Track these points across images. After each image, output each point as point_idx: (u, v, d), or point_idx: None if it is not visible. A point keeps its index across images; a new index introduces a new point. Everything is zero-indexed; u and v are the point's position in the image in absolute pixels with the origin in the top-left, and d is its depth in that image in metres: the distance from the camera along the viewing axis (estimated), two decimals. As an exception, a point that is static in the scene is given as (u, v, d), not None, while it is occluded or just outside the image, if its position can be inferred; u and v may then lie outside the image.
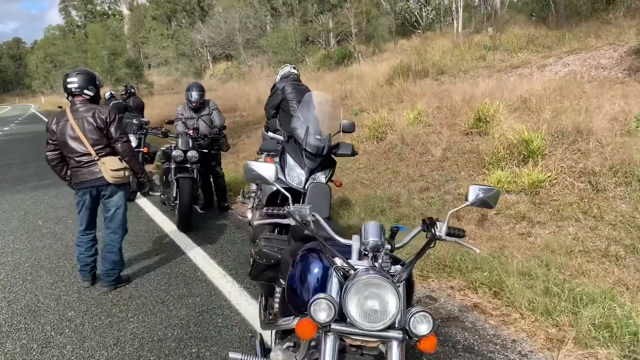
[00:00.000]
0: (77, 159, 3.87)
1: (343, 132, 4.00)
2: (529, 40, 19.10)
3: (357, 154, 4.19)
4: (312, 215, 1.92)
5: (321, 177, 3.84)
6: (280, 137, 5.19)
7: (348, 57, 28.04)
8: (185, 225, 5.69)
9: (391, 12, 34.61)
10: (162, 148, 6.39)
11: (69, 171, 4.07)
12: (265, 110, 5.35)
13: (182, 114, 6.47)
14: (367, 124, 11.05)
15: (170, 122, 7.64)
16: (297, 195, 3.85)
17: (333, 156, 4.00)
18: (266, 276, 2.75)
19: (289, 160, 3.83)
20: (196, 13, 50.57)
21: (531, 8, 29.34)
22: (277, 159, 4.12)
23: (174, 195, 5.76)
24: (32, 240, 5.72)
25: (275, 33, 32.91)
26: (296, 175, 3.79)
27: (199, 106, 6.44)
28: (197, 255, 4.94)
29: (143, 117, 9.82)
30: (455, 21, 28.55)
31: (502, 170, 6.75)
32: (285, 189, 3.89)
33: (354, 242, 1.83)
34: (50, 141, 3.93)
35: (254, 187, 5.08)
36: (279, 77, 5.37)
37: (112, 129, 3.89)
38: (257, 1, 37.41)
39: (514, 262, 4.32)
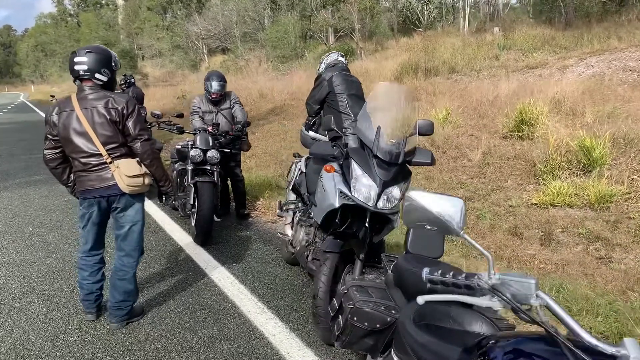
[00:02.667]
0: (83, 160, 3.00)
1: (419, 134, 3.16)
2: (545, 40, 18.37)
3: (435, 162, 3.35)
4: (538, 297, 1.07)
5: (396, 191, 3.00)
6: (323, 137, 4.36)
7: (350, 53, 27.31)
8: (205, 238, 4.83)
9: (393, 9, 33.93)
10: (176, 146, 5.51)
11: (72, 175, 3.21)
12: (306, 105, 4.49)
13: (199, 107, 5.59)
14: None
15: (180, 116, 6.76)
16: (361, 215, 3.02)
17: (408, 165, 3.16)
18: (365, 345, 1.92)
19: (355, 168, 2.98)
20: (192, 4, 49.61)
21: (530, 9, 28.77)
22: (335, 165, 3.27)
23: (192, 202, 4.88)
24: (20, 252, 4.83)
25: (275, 27, 32.05)
26: (365, 188, 2.94)
27: (220, 99, 5.57)
28: (223, 278, 4.08)
29: (144, 108, 8.95)
30: (462, 19, 27.94)
31: (559, 180, 5.96)
32: (349, 206, 3.09)
33: (632, 351, 0.98)
34: (49, 136, 3.07)
35: (292, 196, 4.22)
36: (323, 65, 4.51)
37: (129, 124, 3.03)
38: (256, -6, 36.54)
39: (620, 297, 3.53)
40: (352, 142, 4.03)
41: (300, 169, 4.20)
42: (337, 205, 2.98)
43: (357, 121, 3.17)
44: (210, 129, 5.29)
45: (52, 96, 16.35)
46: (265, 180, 7.66)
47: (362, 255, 3.06)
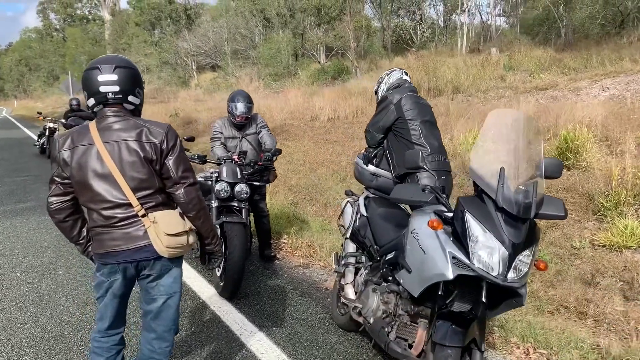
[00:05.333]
0: (105, 213, 2.19)
1: (545, 177, 2.41)
2: (552, 61, 17.97)
3: (567, 214, 2.58)
4: None
5: (527, 257, 2.24)
6: (386, 173, 3.60)
7: (345, 72, 26.89)
8: (234, 291, 4.00)
9: (387, 29, 33.73)
10: (198, 178, 4.68)
11: (84, 230, 2.39)
12: (366, 133, 3.71)
13: (221, 132, 4.81)
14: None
15: (191, 140, 5.95)
16: (474, 285, 2.26)
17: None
18: None
19: (474, 226, 2.22)
20: (182, 21, 49.20)
21: (518, 30, 28.66)
22: (432, 216, 2.50)
23: (217, 248, 4.05)
24: (7, 307, 3.95)
25: (268, 44, 31.57)
26: (487, 252, 2.18)
27: (245, 122, 4.80)
28: (265, 350, 3.25)
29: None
30: (459, 39, 27.71)
31: (627, 218, 5.26)
32: (466, 277, 2.30)
33: None
34: (57, 179, 2.25)
35: (351, 247, 3.41)
36: (384, 86, 3.74)
37: (170, 163, 2.24)
38: (249, 11, 36.21)
39: None
40: (428, 181, 3.28)
41: (358, 212, 3.41)
42: (450, 276, 2.21)
43: (471, 160, 2.41)
44: (236, 158, 4.51)
45: (39, 113, 15.43)
46: (282, 211, 6.86)
47: (484, 345, 2.28)
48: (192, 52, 41.24)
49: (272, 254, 5.06)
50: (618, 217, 5.33)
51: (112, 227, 2.20)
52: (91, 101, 2.23)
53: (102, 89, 2.18)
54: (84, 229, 2.39)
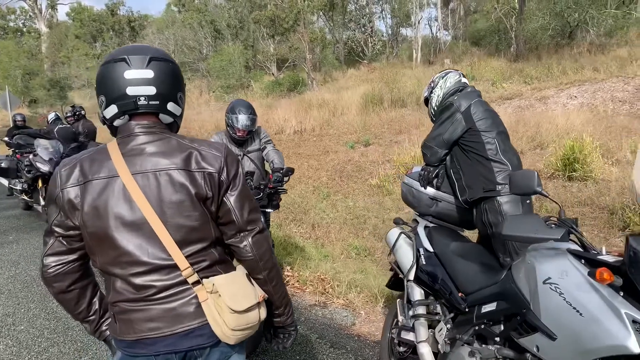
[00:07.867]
0: (137, 280, 1.42)
1: None
2: (513, 71, 18.07)
3: None
4: None
5: None
6: (448, 197, 2.95)
7: (301, 84, 26.47)
8: (254, 348, 3.23)
9: (339, 41, 33.68)
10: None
11: (96, 300, 1.61)
12: (424, 148, 3.02)
13: (220, 150, 4.03)
14: (397, 160, 9.02)
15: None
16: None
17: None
18: None
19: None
20: (125, 33, 47.61)
21: (461, 42, 29.16)
22: (562, 255, 1.88)
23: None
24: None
25: (219, 56, 30.71)
26: None
27: (247, 137, 4.05)
28: None
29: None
30: (414, 51, 27.85)
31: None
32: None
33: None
34: (57, 230, 1.45)
35: (418, 293, 2.71)
36: (440, 91, 3.09)
37: (231, 200, 1.49)
38: (197, 23, 35.30)
39: None
40: (509, 207, 2.66)
41: (421, 247, 2.73)
42: (637, 349, 1.58)
43: (636, 185, 1.81)
44: (242, 180, 3.74)
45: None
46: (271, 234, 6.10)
47: None
48: (138, 65, 39.76)
49: (281, 292, 4.30)
50: (650, 233, 4.92)
51: (147, 301, 1.43)
52: (111, 110, 1.45)
53: (131, 90, 1.42)
54: (96, 299, 1.60)
